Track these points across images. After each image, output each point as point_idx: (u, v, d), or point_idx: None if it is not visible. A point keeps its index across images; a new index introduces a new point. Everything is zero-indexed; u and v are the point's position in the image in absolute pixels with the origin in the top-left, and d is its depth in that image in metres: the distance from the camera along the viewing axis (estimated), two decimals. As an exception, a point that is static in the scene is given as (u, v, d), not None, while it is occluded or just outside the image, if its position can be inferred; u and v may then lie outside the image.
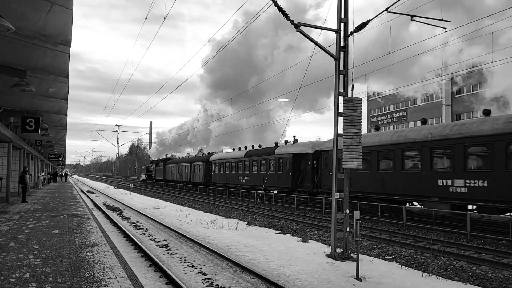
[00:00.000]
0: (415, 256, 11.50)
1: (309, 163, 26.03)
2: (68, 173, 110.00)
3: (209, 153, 51.14)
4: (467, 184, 15.16)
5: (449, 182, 15.84)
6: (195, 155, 56.80)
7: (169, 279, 7.59)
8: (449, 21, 14.87)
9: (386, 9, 11.79)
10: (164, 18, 14.65)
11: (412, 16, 14.37)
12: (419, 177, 17.19)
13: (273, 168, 29.93)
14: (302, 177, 26.61)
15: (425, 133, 17.26)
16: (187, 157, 59.58)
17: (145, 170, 76.19)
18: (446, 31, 14.65)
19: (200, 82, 61.98)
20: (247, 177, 33.99)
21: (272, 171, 29.92)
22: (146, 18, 15.94)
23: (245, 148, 37.42)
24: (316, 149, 25.57)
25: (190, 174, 48.79)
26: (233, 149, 41.15)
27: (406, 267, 9.79)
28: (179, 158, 64.67)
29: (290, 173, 27.32)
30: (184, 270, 8.61)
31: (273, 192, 30.59)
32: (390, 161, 18.90)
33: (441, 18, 15.34)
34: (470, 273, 9.70)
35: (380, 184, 19.12)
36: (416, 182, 17.25)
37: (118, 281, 6.67)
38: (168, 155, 71.84)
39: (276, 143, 32.34)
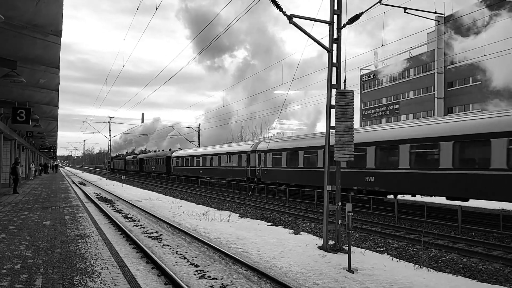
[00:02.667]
0: (406, 248, 11.59)
1: None
2: (59, 164, 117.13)
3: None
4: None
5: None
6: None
7: (161, 271, 7.59)
8: (442, 14, 14.87)
9: (379, 1, 11.74)
10: (156, 9, 14.50)
11: (405, 8, 14.36)
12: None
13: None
14: None
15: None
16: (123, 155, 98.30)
17: (107, 163, 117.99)
18: (439, 24, 14.69)
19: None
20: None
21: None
22: (137, 9, 15.77)
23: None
24: None
25: (122, 165, 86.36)
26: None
27: (398, 259, 9.86)
28: (119, 155, 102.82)
29: None
30: (176, 262, 8.61)
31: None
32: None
33: (434, 11, 15.34)
34: (461, 265, 9.79)
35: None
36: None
37: (109, 272, 6.65)
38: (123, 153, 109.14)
39: None
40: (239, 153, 33.79)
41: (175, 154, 51.73)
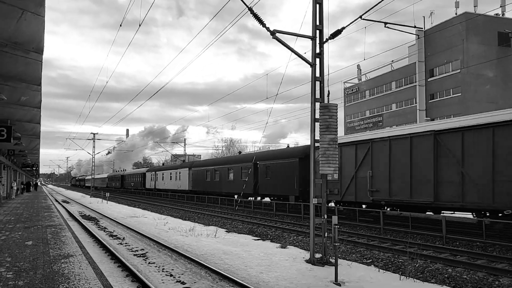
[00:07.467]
0: (392, 260, 11.64)
1: None
2: (39, 183, 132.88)
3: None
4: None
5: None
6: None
7: (147, 289, 7.46)
8: (421, 28, 15.29)
9: (360, 16, 11.99)
10: (139, 25, 14.54)
11: (385, 23, 14.69)
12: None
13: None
14: None
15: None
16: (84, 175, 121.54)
17: (70, 180, 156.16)
18: (418, 38, 15.10)
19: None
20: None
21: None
22: (120, 25, 15.78)
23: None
24: None
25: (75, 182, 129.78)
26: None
27: (384, 271, 9.89)
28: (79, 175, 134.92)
29: None
30: (162, 280, 8.49)
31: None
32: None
33: (413, 25, 15.71)
34: (446, 275, 9.87)
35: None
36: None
37: (93, 292, 6.53)
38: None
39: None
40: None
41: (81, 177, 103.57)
